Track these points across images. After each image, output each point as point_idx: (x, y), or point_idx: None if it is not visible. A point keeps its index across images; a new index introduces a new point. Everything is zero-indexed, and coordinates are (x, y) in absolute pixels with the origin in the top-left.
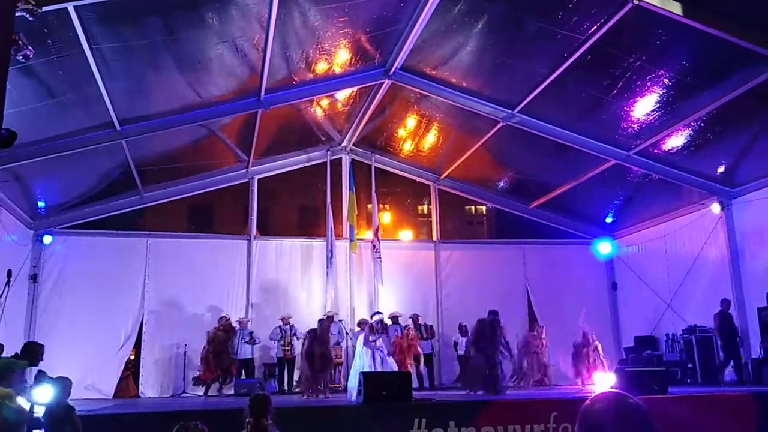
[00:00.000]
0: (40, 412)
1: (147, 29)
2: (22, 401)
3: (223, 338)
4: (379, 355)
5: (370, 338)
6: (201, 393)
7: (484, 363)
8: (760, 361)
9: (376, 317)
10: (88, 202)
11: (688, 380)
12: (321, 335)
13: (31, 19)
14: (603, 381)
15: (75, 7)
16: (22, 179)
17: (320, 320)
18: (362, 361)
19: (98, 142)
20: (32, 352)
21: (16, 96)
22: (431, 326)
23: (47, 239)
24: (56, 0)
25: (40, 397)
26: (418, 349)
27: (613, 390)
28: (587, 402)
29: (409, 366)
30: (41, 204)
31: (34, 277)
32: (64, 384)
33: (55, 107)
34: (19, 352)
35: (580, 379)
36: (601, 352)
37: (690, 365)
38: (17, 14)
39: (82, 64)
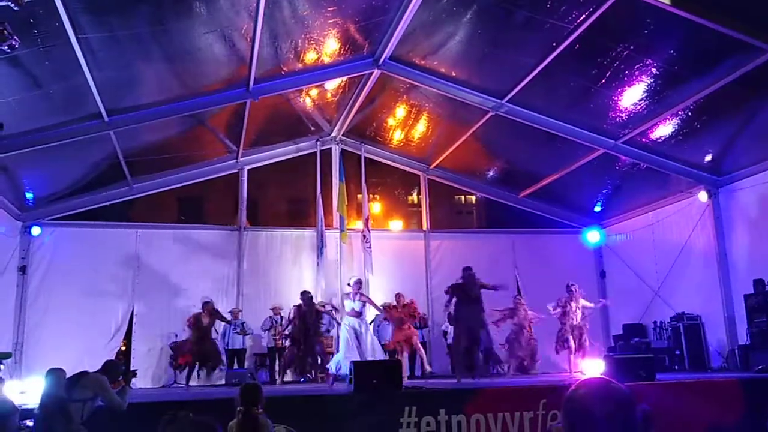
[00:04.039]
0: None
1: (134, 19)
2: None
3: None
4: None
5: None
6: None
7: (467, 339)
8: (747, 348)
9: (353, 280)
10: (77, 193)
11: (676, 367)
12: (306, 309)
13: (16, 8)
14: (591, 368)
15: None
16: (9, 171)
17: (303, 292)
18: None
19: (86, 133)
20: (110, 370)
21: (2, 86)
22: (423, 315)
23: (36, 231)
24: None
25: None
26: (419, 311)
27: (598, 376)
28: (572, 388)
29: (407, 345)
30: (29, 195)
31: (22, 269)
32: (55, 376)
33: (41, 98)
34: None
35: (567, 354)
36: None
37: (677, 352)
38: (2, 4)
39: (69, 54)
